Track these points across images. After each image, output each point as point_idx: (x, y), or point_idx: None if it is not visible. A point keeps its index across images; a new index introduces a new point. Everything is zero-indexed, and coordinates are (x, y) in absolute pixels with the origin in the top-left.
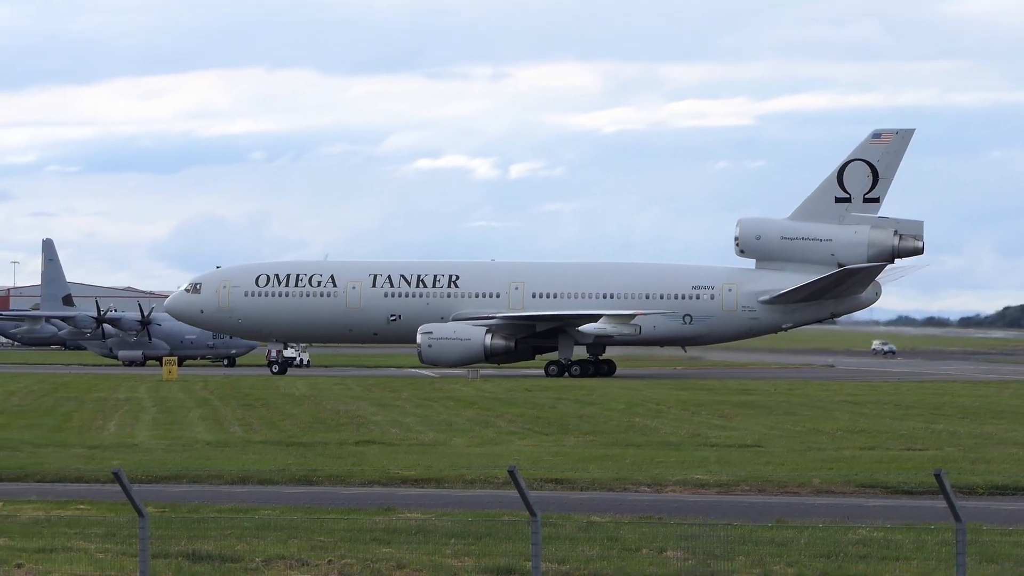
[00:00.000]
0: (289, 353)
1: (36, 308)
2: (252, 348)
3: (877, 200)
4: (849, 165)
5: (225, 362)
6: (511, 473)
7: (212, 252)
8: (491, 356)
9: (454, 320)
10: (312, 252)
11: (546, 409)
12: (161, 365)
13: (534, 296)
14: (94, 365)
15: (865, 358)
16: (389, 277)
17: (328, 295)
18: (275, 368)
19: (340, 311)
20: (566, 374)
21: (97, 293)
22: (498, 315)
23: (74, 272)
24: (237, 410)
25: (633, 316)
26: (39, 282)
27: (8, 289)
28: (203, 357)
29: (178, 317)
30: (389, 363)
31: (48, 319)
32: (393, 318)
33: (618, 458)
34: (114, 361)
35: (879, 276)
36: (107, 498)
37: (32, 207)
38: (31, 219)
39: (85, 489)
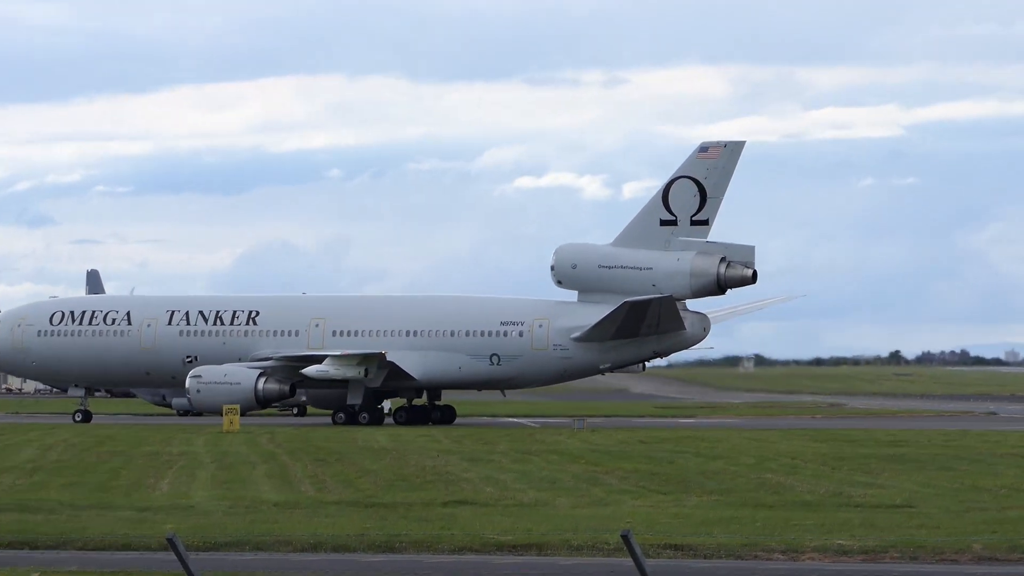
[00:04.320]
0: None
1: None
2: None
3: (706, 223)
4: (675, 183)
5: (295, 411)
6: (624, 538)
7: (281, 284)
8: (265, 402)
9: (252, 361)
10: (396, 284)
11: (664, 464)
12: (221, 414)
13: (334, 334)
14: (144, 414)
15: None
16: (186, 314)
17: (122, 334)
18: (79, 416)
19: (134, 351)
20: (359, 421)
21: None
22: (273, 356)
23: None
24: (309, 466)
25: (364, 357)
26: None
27: None
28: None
29: None
30: (482, 411)
31: None
32: (189, 360)
33: (747, 520)
34: (167, 410)
35: (716, 310)
36: (159, 568)
37: (76, 233)
38: (74, 247)
39: (134, 558)
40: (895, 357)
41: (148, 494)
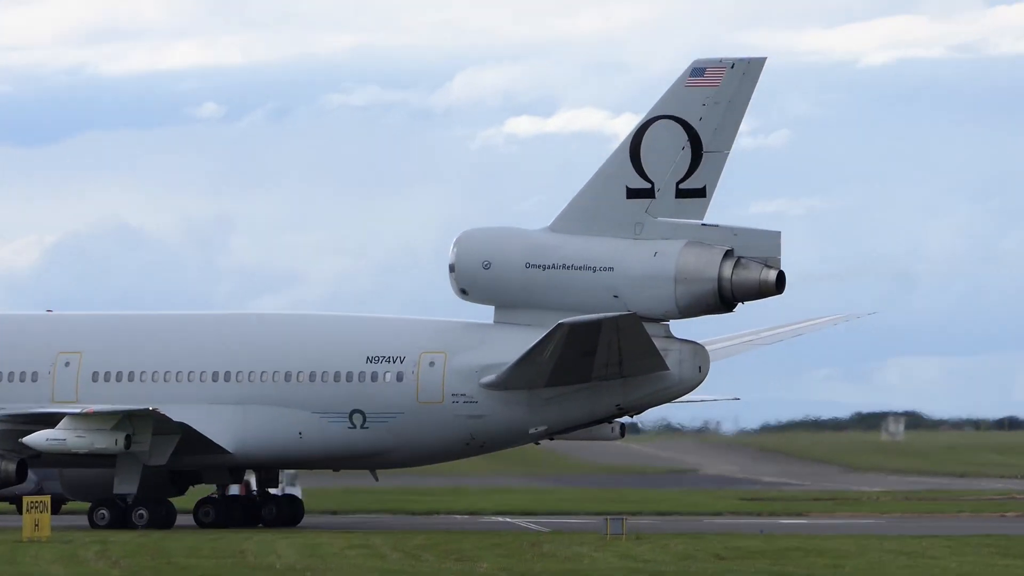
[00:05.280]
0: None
1: None
2: None
3: (701, 192)
4: (650, 128)
5: None
6: None
7: (116, 294)
8: None
9: None
10: (309, 295)
11: None
12: (20, 512)
13: (95, 378)
14: None
15: None
16: None
17: None
18: None
19: None
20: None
21: None
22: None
23: None
24: None
25: (124, 416)
26: None
27: None
28: None
29: None
30: (455, 505)
31: None
32: None
33: None
34: None
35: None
36: None
37: None
38: None
39: None
40: None
41: None
